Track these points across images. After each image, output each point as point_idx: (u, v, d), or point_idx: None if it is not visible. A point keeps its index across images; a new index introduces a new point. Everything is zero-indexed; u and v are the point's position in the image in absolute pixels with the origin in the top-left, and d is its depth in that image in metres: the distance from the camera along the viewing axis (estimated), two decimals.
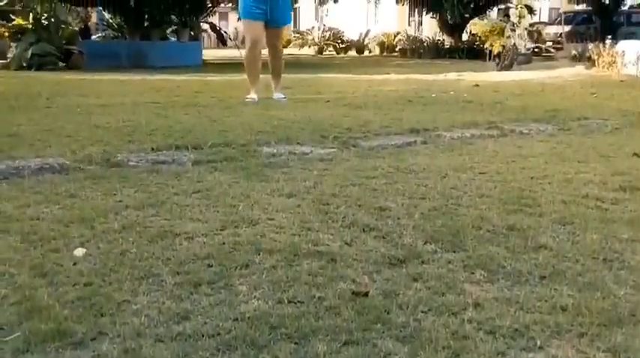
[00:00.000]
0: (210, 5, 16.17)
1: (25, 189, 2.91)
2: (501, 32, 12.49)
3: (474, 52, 22.86)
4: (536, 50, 28.37)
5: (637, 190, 3.05)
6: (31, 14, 17.01)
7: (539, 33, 34.83)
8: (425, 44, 23.80)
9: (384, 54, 27.27)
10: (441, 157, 3.85)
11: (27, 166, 3.25)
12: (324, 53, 27.77)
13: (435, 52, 23.29)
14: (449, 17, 22.00)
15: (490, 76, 10.78)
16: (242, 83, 8.07)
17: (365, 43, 28.37)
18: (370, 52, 28.64)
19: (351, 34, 29.30)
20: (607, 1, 29.94)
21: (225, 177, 3.22)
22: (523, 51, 13.23)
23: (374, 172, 3.38)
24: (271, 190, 2.96)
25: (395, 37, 28.07)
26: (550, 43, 32.20)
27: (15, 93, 7.03)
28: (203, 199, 2.80)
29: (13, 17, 19.82)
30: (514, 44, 11.56)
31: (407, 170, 3.46)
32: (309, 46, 27.98)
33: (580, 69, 11.10)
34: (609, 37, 11.15)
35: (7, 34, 20.57)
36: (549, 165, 3.64)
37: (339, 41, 27.90)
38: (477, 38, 28.39)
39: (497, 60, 11.64)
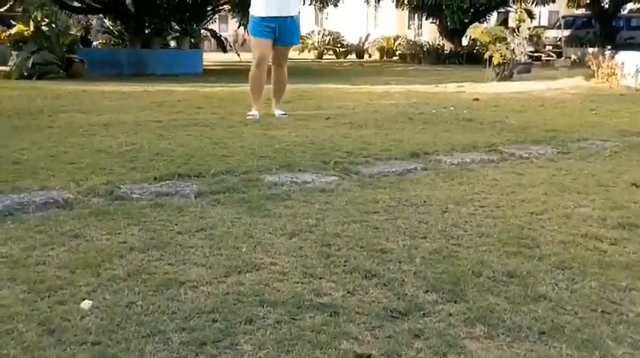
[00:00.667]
0: (210, 11, 16.18)
1: (31, 228, 2.94)
2: (501, 41, 12.51)
3: (473, 58, 22.97)
4: (535, 55, 28.42)
5: (635, 228, 3.09)
6: (31, 21, 17.03)
7: (539, 37, 34.91)
8: (425, 49, 23.87)
9: (384, 58, 27.35)
10: (442, 187, 3.88)
11: (32, 201, 3.28)
12: (323, 57, 27.85)
13: (434, 57, 23.38)
14: (449, 23, 22.04)
15: (490, 87, 10.83)
16: (242, 95, 8.15)
17: (365, 47, 28.43)
18: (370, 56, 28.71)
19: (351, 38, 29.38)
20: (606, 6, 29.98)
21: (228, 212, 3.25)
22: (523, 60, 13.26)
23: (375, 206, 3.42)
24: (274, 229, 2.99)
25: (395, 41, 28.15)
26: (550, 47, 32.25)
27: (17, 109, 7.07)
28: (207, 240, 2.83)
29: (13, 22, 19.84)
30: (513, 50, 11.60)
31: (408, 203, 3.49)
32: (309, 51, 28.07)
33: (579, 79, 11.14)
34: (609, 47, 11.16)
35: (7, 40, 20.60)
36: (549, 196, 3.67)
37: (339, 45, 27.96)
38: (477, 43, 28.46)
39: (497, 69, 11.67)
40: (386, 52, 27.60)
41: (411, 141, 5.34)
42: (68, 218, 3.10)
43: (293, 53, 27.56)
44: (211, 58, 20.26)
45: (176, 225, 3.05)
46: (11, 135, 5.34)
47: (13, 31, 19.38)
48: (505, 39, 12.45)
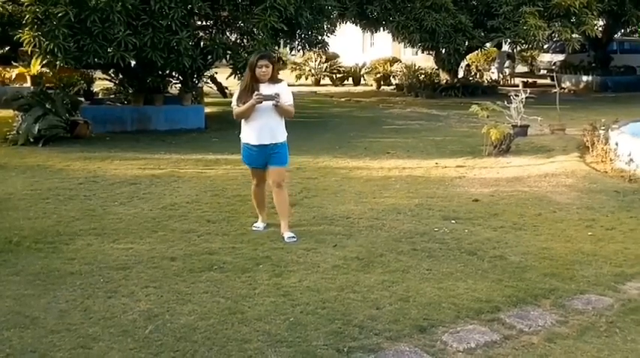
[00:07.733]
0: (211, 59, 16.41)
1: None
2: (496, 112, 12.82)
3: (468, 90, 23.39)
4: (530, 81, 28.79)
5: None
6: (32, 63, 17.19)
7: (534, 58, 35.23)
8: (422, 81, 24.24)
9: (381, 86, 27.66)
10: None
11: None
12: (320, 83, 28.19)
13: (431, 89, 23.78)
14: (445, 63, 22.41)
15: (488, 166, 11.20)
16: (247, 187, 8.48)
17: (361, 73, 28.79)
18: (366, 82, 29.06)
19: (348, 60, 29.74)
20: (600, 29, 30.23)
21: None
22: (519, 123, 13.63)
23: None
24: None
25: (391, 64, 28.46)
26: (544, 72, 32.58)
27: (35, 231, 7.33)
28: None
29: (14, 63, 20.04)
30: (510, 134, 11.99)
31: None
32: (307, 77, 28.39)
33: (575, 159, 11.42)
34: (602, 127, 11.50)
35: (7, 76, 20.83)
36: None
37: (336, 72, 28.29)
38: (474, 67, 28.73)
39: (495, 142, 12.01)
40: (382, 77, 27.88)
41: (417, 300, 5.64)
42: None
43: (292, 79, 27.88)
44: (212, 98, 20.50)
45: None
46: (38, 295, 5.60)
47: (13, 73, 19.63)
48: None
